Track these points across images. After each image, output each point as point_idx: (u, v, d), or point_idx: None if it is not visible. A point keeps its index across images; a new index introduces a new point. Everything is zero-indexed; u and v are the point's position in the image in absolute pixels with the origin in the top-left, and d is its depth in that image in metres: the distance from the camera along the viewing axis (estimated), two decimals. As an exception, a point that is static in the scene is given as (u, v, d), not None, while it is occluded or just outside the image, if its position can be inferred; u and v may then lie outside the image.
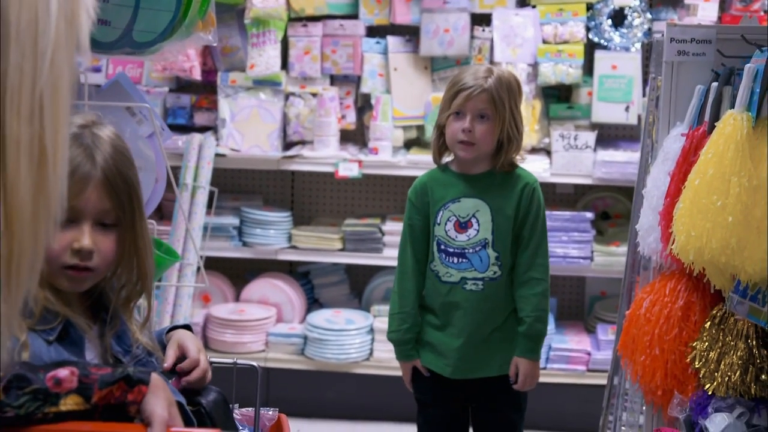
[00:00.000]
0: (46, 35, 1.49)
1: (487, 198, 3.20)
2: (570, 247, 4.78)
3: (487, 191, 3.21)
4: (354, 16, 5.05)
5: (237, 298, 5.19)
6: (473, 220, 3.20)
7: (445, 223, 3.22)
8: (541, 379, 4.32)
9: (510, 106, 3.14)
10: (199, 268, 4.29)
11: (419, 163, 4.73)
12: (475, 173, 3.22)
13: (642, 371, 2.71)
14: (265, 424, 2.59)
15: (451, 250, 3.21)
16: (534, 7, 4.89)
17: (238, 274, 5.26)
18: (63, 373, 1.90)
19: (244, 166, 5.12)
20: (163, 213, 4.62)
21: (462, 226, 3.21)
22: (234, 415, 2.44)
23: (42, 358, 2.00)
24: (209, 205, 4.58)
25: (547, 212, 4.72)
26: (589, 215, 4.78)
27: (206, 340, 4.94)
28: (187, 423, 2.06)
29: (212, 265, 4.96)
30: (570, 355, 4.76)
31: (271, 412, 2.61)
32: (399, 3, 4.93)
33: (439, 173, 3.29)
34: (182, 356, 2.21)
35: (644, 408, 3.14)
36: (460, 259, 3.20)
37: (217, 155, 4.79)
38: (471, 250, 3.19)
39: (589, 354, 4.73)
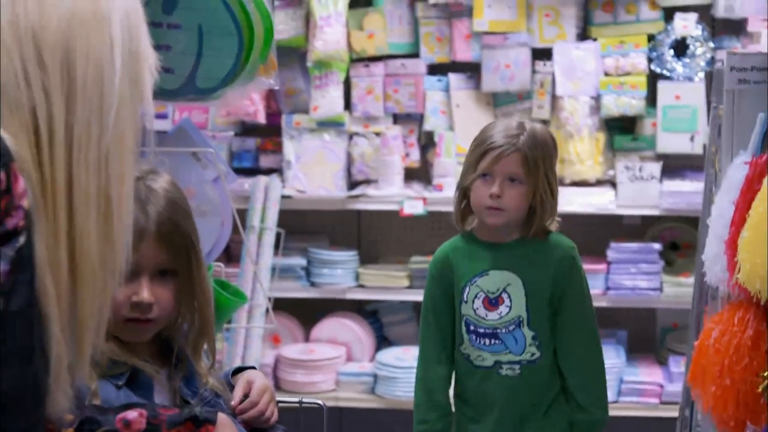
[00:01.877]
0: (111, 92, 1.55)
1: (519, 270, 2.88)
2: (639, 278, 4.76)
3: (518, 262, 2.89)
4: (415, 55, 5.07)
5: (307, 339, 5.19)
6: (504, 296, 2.89)
7: (473, 301, 2.90)
8: (613, 413, 4.34)
9: (545, 168, 2.84)
10: (267, 310, 4.26)
11: None
12: (504, 242, 2.92)
13: (713, 402, 2.61)
14: None
15: (482, 330, 2.90)
16: (595, 39, 4.91)
17: (307, 314, 5.21)
18: (132, 414, 1.94)
19: (310, 206, 5.10)
20: (231, 255, 4.62)
21: (492, 303, 2.89)
22: None
23: (112, 403, 2.02)
24: (276, 247, 4.60)
25: (614, 244, 4.91)
26: (657, 246, 4.75)
27: (277, 380, 4.95)
28: None
29: (281, 306, 4.94)
30: (642, 388, 4.72)
31: None
32: (459, 40, 4.96)
33: (463, 243, 2.99)
34: (248, 392, 2.23)
35: None
36: (493, 341, 2.89)
37: (283, 197, 4.82)
38: (504, 330, 2.88)
39: (661, 387, 4.69)
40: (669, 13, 4.86)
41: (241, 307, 4.08)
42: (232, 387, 2.25)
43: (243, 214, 4.44)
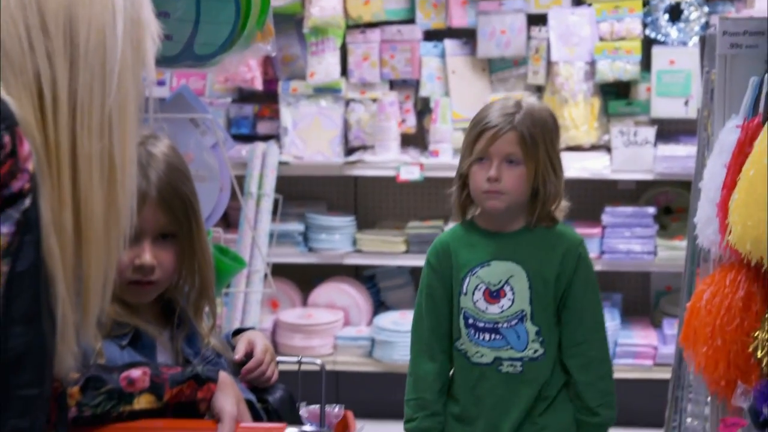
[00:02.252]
0: (113, 57, 1.58)
1: (523, 261, 2.72)
2: (633, 242, 4.82)
3: (522, 252, 2.73)
4: (411, 21, 5.09)
5: (304, 303, 5.23)
6: (506, 288, 2.72)
7: (473, 293, 2.74)
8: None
9: (545, 147, 2.67)
10: (266, 275, 4.39)
11: None
12: (507, 231, 2.76)
13: (705, 362, 2.64)
14: (332, 420, 2.57)
15: (482, 324, 2.74)
16: (590, 5, 4.92)
17: (305, 279, 5.27)
18: (136, 373, 1.96)
19: (308, 173, 5.15)
20: (230, 221, 4.68)
21: (493, 295, 2.73)
22: (301, 412, 2.45)
23: (116, 362, 2.04)
24: (274, 213, 4.64)
25: (609, 208, 4.88)
26: (652, 210, 4.82)
27: (276, 345, 4.92)
28: (256, 419, 2.11)
29: (279, 271, 4.98)
30: (636, 350, 4.79)
31: (337, 409, 2.59)
32: (455, 6, 4.99)
33: (463, 231, 2.82)
34: (251, 352, 2.26)
35: (709, 399, 3.10)
36: (493, 336, 2.73)
37: (281, 163, 4.86)
38: (505, 325, 2.73)
39: (655, 348, 4.76)
40: None
41: (240, 272, 4.20)
42: (232, 347, 2.27)
43: (241, 180, 4.44)
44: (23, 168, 1.49)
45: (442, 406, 2.78)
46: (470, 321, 2.72)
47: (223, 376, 2.03)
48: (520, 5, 4.95)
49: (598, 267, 4.60)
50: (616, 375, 4.40)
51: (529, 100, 2.85)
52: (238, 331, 2.34)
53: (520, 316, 2.70)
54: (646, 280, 5.17)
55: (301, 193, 5.29)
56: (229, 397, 2.00)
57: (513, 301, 2.69)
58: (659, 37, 4.86)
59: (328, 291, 5.18)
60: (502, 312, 2.70)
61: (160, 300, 2.21)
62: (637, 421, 4.54)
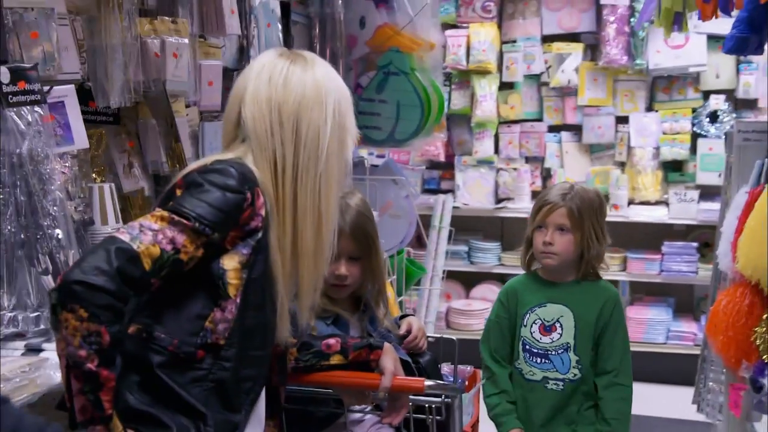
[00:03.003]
0: (323, 146, 1.71)
1: (571, 305, 2.67)
2: (682, 264, 5.14)
3: (571, 299, 2.68)
4: (540, 119, 5.47)
5: (467, 296, 5.52)
6: (557, 325, 2.67)
7: (531, 326, 2.70)
8: (663, 350, 4.89)
9: (590, 220, 2.61)
10: (443, 277, 4.61)
11: None
12: (560, 282, 2.71)
13: (721, 347, 2.68)
14: (465, 375, 2.71)
15: (536, 350, 2.69)
16: (657, 111, 5.27)
17: (467, 281, 5.54)
18: (331, 341, 2.06)
19: (471, 214, 5.36)
20: (422, 243, 4.57)
21: (546, 329, 2.68)
22: (444, 370, 2.57)
23: (323, 334, 2.14)
24: (449, 239, 4.76)
25: (667, 242, 5.13)
26: (695, 244, 5.13)
27: (448, 322, 5.33)
28: (410, 374, 2.16)
29: (451, 275, 5.20)
30: (682, 335, 5.13)
31: (468, 368, 2.74)
32: (569, 110, 5.40)
33: (528, 279, 2.77)
34: (410, 330, 2.34)
35: (724, 370, 3.15)
36: (543, 360, 2.68)
37: (454, 207, 5.10)
38: (554, 352, 2.67)
39: (695, 335, 5.04)
40: (706, 95, 5.21)
41: (425, 276, 4.39)
42: (398, 326, 2.36)
43: (429, 218, 4.64)
44: (258, 213, 1.64)
45: (511, 389, 2.72)
46: (527, 347, 2.69)
47: (387, 345, 2.07)
48: (611, 110, 5.28)
49: (658, 280, 5.23)
50: (669, 350, 5.09)
51: (582, 184, 2.75)
52: (403, 317, 2.43)
53: (565, 347, 2.65)
54: (691, 290, 5.35)
55: (466, 226, 5.39)
56: (390, 359, 2.04)
57: (561, 335, 2.65)
58: (702, 132, 5.16)
59: (482, 289, 5.49)
60: (552, 342, 2.66)
61: (353, 295, 2.30)
62: (681, 381, 4.63)
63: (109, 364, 1.46)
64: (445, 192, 5.36)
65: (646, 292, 5.54)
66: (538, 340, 2.68)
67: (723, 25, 3.15)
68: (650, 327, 5.19)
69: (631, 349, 4.41)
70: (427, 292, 4.68)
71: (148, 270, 1.50)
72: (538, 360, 2.68)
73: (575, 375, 2.65)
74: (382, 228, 3.58)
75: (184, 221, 1.56)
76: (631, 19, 5.09)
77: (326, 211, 1.72)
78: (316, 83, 1.73)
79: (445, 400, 2.04)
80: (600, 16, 5.28)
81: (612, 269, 5.27)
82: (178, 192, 1.63)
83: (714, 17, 2.77)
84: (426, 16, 3.55)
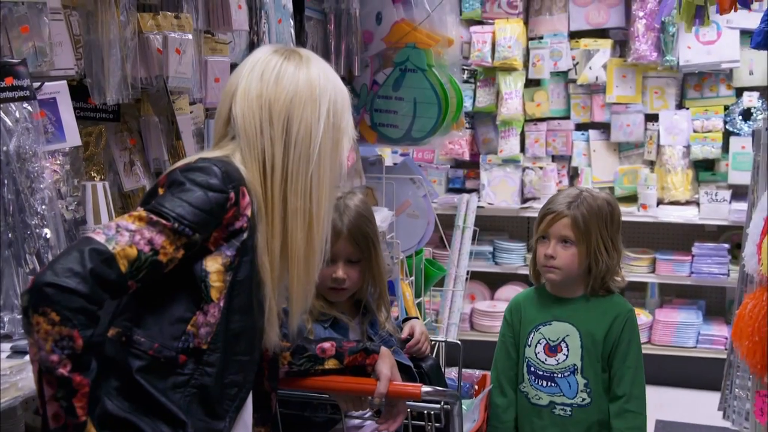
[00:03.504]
0: (315, 146, 1.69)
1: (578, 323, 2.49)
2: (713, 266, 5.06)
3: (577, 316, 2.50)
4: (567, 117, 5.41)
5: (492, 297, 5.49)
6: (563, 345, 2.49)
7: (536, 345, 2.52)
8: (693, 354, 4.84)
9: (598, 231, 2.43)
10: (467, 278, 4.47)
11: None
12: (568, 297, 2.53)
13: (746, 352, 2.66)
14: (473, 379, 2.74)
15: (541, 372, 2.52)
16: (687, 108, 5.19)
17: (492, 282, 5.52)
18: (326, 345, 2.04)
19: (496, 213, 5.36)
20: (447, 243, 4.43)
21: (552, 349, 2.50)
22: (453, 374, 2.63)
23: (320, 336, 2.15)
24: (473, 239, 4.57)
25: (698, 243, 5.03)
26: (726, 246, 5.05)
27: (472, 324, 5.29)
28: (411, 379, 2.14)
29: (475, 276, 5.23)
30: (713, 338, 5.04)
31: (477, 373, 2.75)
32: (597, 108, 5.33)
33: (535, 294, 2.61)
34: (412, 333, 2.33)
35: (751, 376, 3.13)
36: (549, 383, 2.50)
37: (479, 207, 4.92)
38: (560, 375, 2.49)
39: (726, 338, 4.83)
40: (739, 92, 5.13)
41: (448, 276, 4.31)
42: (401, 330, 2.35)
43: (453, 218, 4.52)
44: (243, 213, 1.62)
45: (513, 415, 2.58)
46: (532, 369, 2.52)
47: (384, 350, 2.05)
48: (640, 108, 5.21)
49: (688, 282, 5.15)
50: (699, 355, 4.90)
51: (592, 189, 2.55)
52: (406, 320, 2.42)
53: (572, 369, 2.48)
54: (722, 292, 5.29)
55: (491, 226, 5.47)
56: (386, 363, 2.02)
57: (567, 356, 2.48)
58: (735, 130, 5.07)
59: (506, 290, 5.43)
60: (558, 364, 2.49)
61: (352, 298, 2.30)
62: (711, 386, 4.59)
63: (83, 370, 1.42)
64: (470, 191, 5.28)
65: (675, 294, 5.51)
66: (543, 362, 2.52)
67: (757, 19, 3.03)
68: (679, 330, 5.15)
69: (660, 352, 4.67)
70: (451, 293, 4.58)
71: (124, 272, 1.47)
72: (544, 383, 2.52)
73: (584, 400, 2.49)
74: (399, 228, 3.74)
75: (163, 221, 1.53)
76: (668, 17, 4.87)
77: (317, 214, 1.70)
78: (310, 81, 1.70)
79: (444, 406, 2.00)
80: (629, 11, 5.22)
81: (640, 271, 5.27)
82: (161, 191, 1.60)
83: (732, 10, 2.69)
84: (444, 11, 3.58)
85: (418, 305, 4.02)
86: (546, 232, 2.48)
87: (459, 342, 2.51)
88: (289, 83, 1.68)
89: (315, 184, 1.69)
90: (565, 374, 2.48)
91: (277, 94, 1.67)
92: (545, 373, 2.51)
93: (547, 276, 2.51)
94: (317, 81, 1.71)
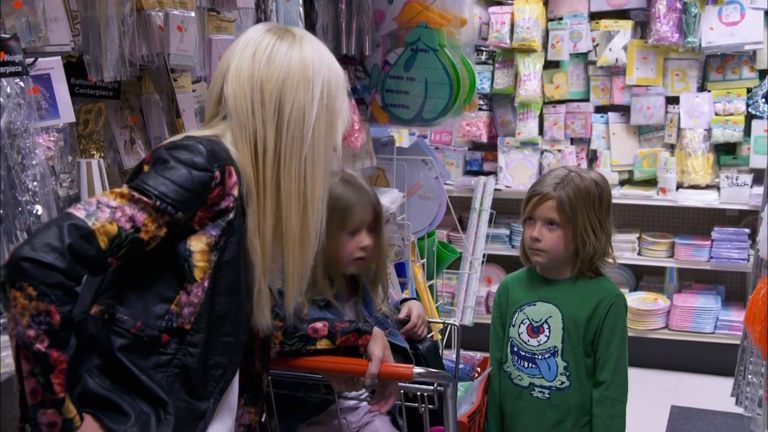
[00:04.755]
0: (308, 128, 1.68)
1: (561, 305, 2.45)
2: (733, 251, 5.03)
3: (561, 298, 2.46)
4: (586, 99, 5.39)
5: None
6: (545, 326, 2.45)
7: (519, 326, 2.49)
8: (712, 340, 4.83)
9: (585, 212, 2.38)
10: (483, 261, 4.50)
11: (628, 195, 5.14)
12: (555, 278, 2.50)
13: (759, 336, 2.67)
14: (474, 363, 2.74)
15: (523, 353, 2.49)
16: (709, 91, 5.14)
17: (508, 265, 5.30)
18: (318, 325, 2.04)
19: (513, 196, 5.28)
20: (463, 226, 4.64)
21: (534, 330, 2.47)
22: (452, 356, 2.58)
23: (314, 316, 2.13)
24: (490, 222, 4.62)
25: (717, 228, 4.99)
26: (747, 230, 5.02)
27: (488, 307, 5.28)
28: (407, 360, 2.14)
29: (492, 259, 5.21)
30: (731, 324, 5.01)
31: (478, 355, 2.74)
32: (616, 90, 5.31)
33: (525, 275, 2.58)
34: (409, 315, 2.32)
35: (764, 362, 3.15)
36: (530, 364, 2.47)
37: (496, 190, 4.91)
38: (540, 357, 2.46)
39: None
40: (762, 74, 5.06)
41: (465, 259, 4.34)
42: (398, 311, 2.35)
43: (469, 200, 4.54)
44: (229, 193, 1.61)
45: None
46: (515, 349, 2.50)
47: (377, 331, 2.05)
48: (661, 90, 5.18)
49: (707, 267, 5.09)
50: (718, 341, 4.90)
51: (582, 170, 2.50)
52: (404, 301, 2.41)
53: (552, 351, 2.44)
54: (743, 278, 5.23)
55: (508, 209, 5.38)
56: (379, 344, 2.02)
57: (548, 338, 2.44)
58: (757, 113, 5.00)
59: None
60: (539, 345, 2.45)
61: (352, 277, 2.29)
62: (729, 372, 4.19)
63: (61, 346, 1.43)
64: (488, 174, 5.33)
65: (694, 279, 5.48)
66: (525, 342, 2.49)
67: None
68: (698, 316, 5.13)
69: (678, 338, 4.70)
70: (466, 276, 4.56)
71: (103, 248, 1.47)
72: (525, 364, 2.49)
73: (562, 383, 2.45)
74: (410, 209, 3.74)
75: (145, 199, 1.53)
76: None
77: (312, 197, 1.68)
78: (303, 61, 1.69)
79: (438, 388, 1.98)
80: (650, -9, 5.18)
81: (659, 255, 5.27)
82: (146, 168, 1.60)
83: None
84: None
85: (430, 288, 3.99)
86: (532, 214, 2.45)
87: (457, 324, 2.51)
88: (282, 64, 1.67)
89: (309, 166, 1.68)
90: (545, 356, 2.45)
91: (269, 75, 1.66)
92: (527, 354, 2.48)
93: (533, 259, 2.48)
94: (310, 61, 1.69)
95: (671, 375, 5.03)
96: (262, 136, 1.65)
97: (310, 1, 3.28)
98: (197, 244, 1.59)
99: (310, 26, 3.25)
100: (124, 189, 1.54)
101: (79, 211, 1.47)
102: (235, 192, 1.61)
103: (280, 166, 1.66)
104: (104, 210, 1.48)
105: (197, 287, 1.59)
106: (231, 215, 1.60)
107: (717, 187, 5.13)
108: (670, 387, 4.86)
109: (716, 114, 5.13)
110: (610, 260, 2.49)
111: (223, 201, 1.59)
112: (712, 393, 4.65)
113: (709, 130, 5.14)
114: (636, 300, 5.20)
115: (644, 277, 5.53)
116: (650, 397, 4.65)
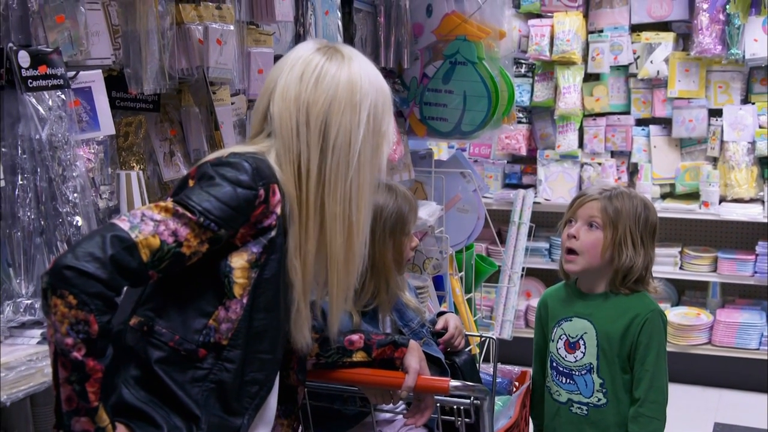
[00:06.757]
0: (354, 151, 1.67)
1: (595, 321, 2.40)
2: None
3: (596, 313, 2.41)
4: (627, 112, 5.34)
5: None
6: (581, 342, 2.41)
7: (558, 341, 2.47)
8: (757, 356, 4.75)
9: (628, 221, 2.32)
10: (522, 275, 4.54)
11: (670, 209, 5.08)
12: (592, 293, 2.45)
13: None
14: (512, 376, 2.71)
15: (561, 369, 2.46)
16: (753, 103, 5.06)
17: (548, 279, 5.40)
18: (354, 337, 2.04)
19: (553, 210, 5.29)
20: (502, 239, 4.70)
21: (571, 346, 2.44)
22: (489, 370, 2.55)
23: (350, 327, 2.13)
24: (529, 235, 4.64)
25: (761, 242, 4.87)
26: None
27: (527, 321, 5.29)
28: (443, 373, 2.12)
29: (531, 273, 5.19)
30: None
31: (516, 369, 2.73)
32: (657, 102, 5.26)
33: (564, 289, 2.54)
34: (446, 327, 2.32)
35: None
36: (568, 380, 2.45)
37: (535, 203, 4.89)
38: (577, 373, 2.42)
39: None
40: None
41: (504, 272, 4.39)
42: (435, 325, 2.35)
43: (508, 213, 4.56)
44: (272, 211, 1.61)
45: None
46: (554, 364, 2.48)
47: (413, 343, 2.04)
48: (704, 103, 5.12)
49: (751, 282, 5.00)
50: (763, 357, 4.76)
51: (632, 190, 2.48)
52: (441, 314, 2.42)
53: (588, 367, 2.40)
54: None
55: (547, 222, 5.37)
56: (415, 357, 2.00)
57: (584, 354, 2.41)
58: None
59: None
60: (576, 361, 2.43)
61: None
62: None
63: (98, 355, 1.43)
64: (527, 187, 5.29)
65: (738, 294, 5.41)
66: (563, 358, 2.46)
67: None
68: (742, 331, 5.03)
69: (722, 354, 4.63)
70: (505, 290, 4.60)
71: (145, 261, 1.47)
72: (564, 380, 2.46)
73: (599, 400, 2.40)
74: (448, 222, 3.74)
75: (189, 214, 1.53)
76: (727, 6, 4.86)
77: (357, 220, 1.68)
78: (351, 84, 1.68)
79: (474, 401, 1.97)
80: (692, 3, 5.09)
81: (701, 270, 5.20)
82: (191, 183, 1.60)
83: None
84: (495, 3, 3.53)
85: (468, 301, 3.99)
86: (574, 215, 2.41)
87: (494, 337, 2.48)
88: (329, 86, 1.66)
89: (354, 190, 1.67)
90: (582, 372, 2.42)
91: (315, 98, 1.65)
92: (565, 370, 2.45)
93: (566, 267, 2.42)
94: (359, 84, 1.68)
95: (714, 391, 4.97)
96: (306, 159, 1.64)
97: (349, 15, 3.31)
98: (238, 261, 1.59)
99: (349, 39, 3.30)
100: (169, 203, 1.54)
101: (123, 223, 1.48)
102: (278, 210, 1.61)
103: (324, 188, 1.66)
104: (148, 223, 1.49)
105: (236, 303, 1.58)
106: (273, 233, 1.60)
107: (761, 201, 5.06)
108: (713, 404, 4.81)
109: (760, 126, 5.07)
110: (650, 288, 2.42)
111: (267, 219, 1.60)
112: (756, 410, 4.61)
113: (753, 143, 5.08)
114: (678, 315, 5.15)
115: (686, 291, 5.46)
116: (693, 414, 4.62)
